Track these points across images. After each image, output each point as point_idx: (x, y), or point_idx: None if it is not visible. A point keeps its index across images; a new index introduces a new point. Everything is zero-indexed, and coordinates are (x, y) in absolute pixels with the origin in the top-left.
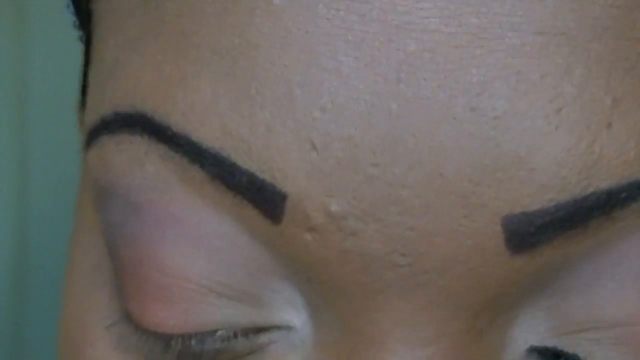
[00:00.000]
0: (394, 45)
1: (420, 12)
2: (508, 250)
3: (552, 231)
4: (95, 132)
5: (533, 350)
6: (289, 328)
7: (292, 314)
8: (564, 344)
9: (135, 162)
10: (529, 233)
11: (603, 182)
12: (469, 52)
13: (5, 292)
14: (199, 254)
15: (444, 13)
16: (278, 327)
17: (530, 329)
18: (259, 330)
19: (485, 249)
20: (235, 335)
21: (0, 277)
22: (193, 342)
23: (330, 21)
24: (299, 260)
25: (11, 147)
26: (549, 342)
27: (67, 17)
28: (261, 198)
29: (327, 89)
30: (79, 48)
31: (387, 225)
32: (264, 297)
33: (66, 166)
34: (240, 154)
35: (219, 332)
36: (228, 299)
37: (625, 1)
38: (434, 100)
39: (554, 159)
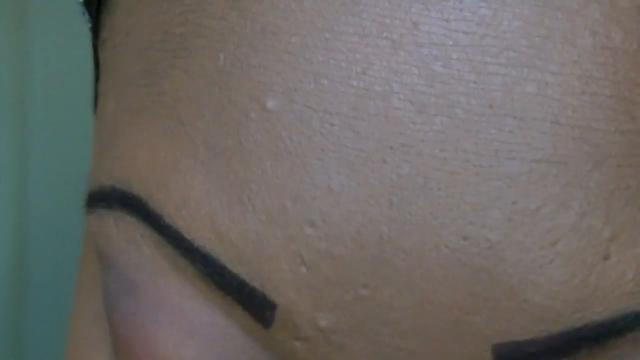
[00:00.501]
0: (387, 167)
1: (416, 135)
2: None
3: (543, 359)
4: (95, 200)
5: None
6: None
7: None
8: None
9: (132, 241)
10: None
11: (598, 314)
12: (463, 179)
13: (5, 292)
14: (191, 341)
15: (439, 137)
16: None
17: None
18: None
19: None
20: None
21: (0, 277)
22: None
23: (324, 136)
24: None
25: (11, 147)
26: None
27: (67, 17)
28: (251, 304)
29: (318, 206)
30: (79, 48)
31: (375, 343)
32: None
33: (66, 166)
34: (230, 258)
35: None
36: None
37: (630, 125)
38: (425, 226)
39: (548, 293)
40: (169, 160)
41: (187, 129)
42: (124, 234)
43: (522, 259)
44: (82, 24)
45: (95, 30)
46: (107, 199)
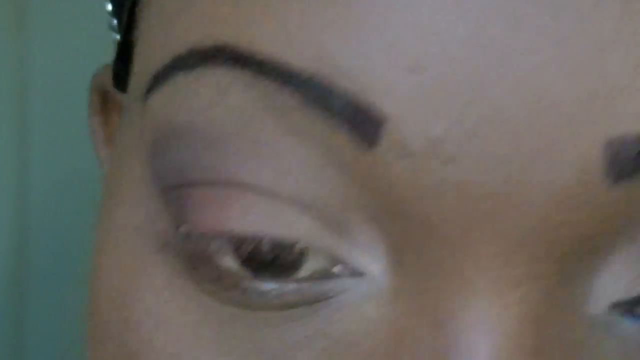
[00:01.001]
0: None
1: None
2: (608, 178)
3: None
4: (164, 74)
5: (616, 306)
6: (363, 275)
7: (369, 260)
8: None
9: (216, 95)
10: (629, 158)
11: None
12: None
13: (5, 292)
14: (285, 181)
15: None
16: (351, 274)
17: (617, 279)
18: (329, 276)
19: (586, 176)
20: (305, 281)
21: (0, 277)
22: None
23: None
24: (389, 193)
25: (11, 147)
26: (634, 292)
27: (67, 18)
28: (357, 121)
29: (427, 11)
30: (79, 48)
31: (487, 149)
32: (344, 236)
33: (66, 166)
34: (336, 76)
35: (300, 244)
36: (310, 217)
37: None
38: (541, 25)
39: None
40: (255, 4)
41: None
42: (206, 90)
43: (633, 52)
44: (82, 24)
45: None
46: (183, 64)
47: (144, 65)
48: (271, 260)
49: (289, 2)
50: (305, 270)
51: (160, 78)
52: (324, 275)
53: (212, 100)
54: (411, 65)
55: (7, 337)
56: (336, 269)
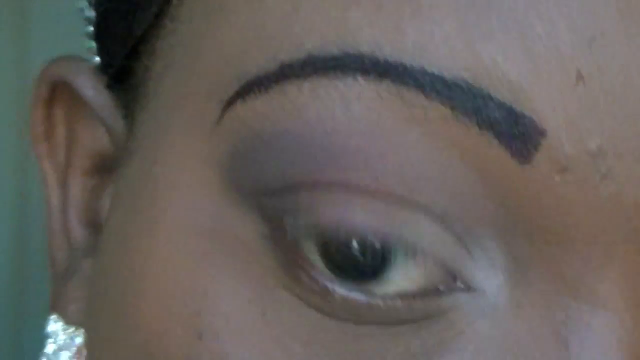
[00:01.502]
0: None
1: None
2: None
3: None
4: (265, 82)
5: None
6: (477, 291)
7: (486, 275)
8: None
9: (339, 106)
10: None
11: None
12: None
13: (6, 292)
14: (423, 189)
15: None
16: (464, 289)
17: None
18: (441, 292)
19: None
20: (414, 296)
21: (0, 277)
22: (399, 301)
23: None
24: (534, 206)
25: (11, 147)
26: None
27: (67, 18)
28: (515, 134)
29: (593, 23)
30: (79, 48)
31: None
32: (468, 250)
33: None
34: (496, 85)
35: (420, 249)
36: (438, 244)
37: None
38: None
39: None
40: (402, 5)
41: None
42: (326, 99)
43: None
44: (82, 24)
45: None
46: (295, 71)
47: (212, 68)
48: (375, 269)
49: (440, 10)
50: (413, 282)
51: (257, 84)
52: (435, 291)
53: (335, 111)
54: (576, 76)
55: (7, 337)
56: (444, 286)
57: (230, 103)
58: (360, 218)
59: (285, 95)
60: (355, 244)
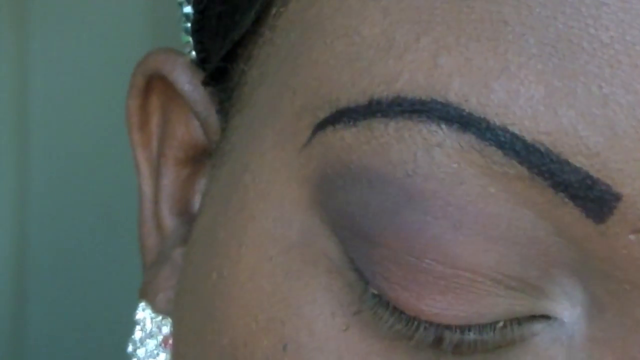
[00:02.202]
0: None
1: None
2: None
3: None
4: (355, 114)
5: None
6: (556, 320)
7: (565, 306)
8: None
9: (421, 150)
10: None
11: None
12: None
13: (5, 292)
14: (493, 247)
15: None
16: (545, 318)
17: None
18: (522, 320)
19: None
20: (495, 327)
21: (0, 277)
22: (471, 334)
23: None
24: (611, 260)
25: (11, 147)
26: None
27: (67, 18)
28: (589, 198)
29: None
30: (79, 48)
31: None
32: (545, 288)
33: (66, 166)
34: (574, 150)
35: (500, 324)
36: (514, 290)
37: None
38: None
39: None
40: (491, 62)
41: (515, 28)
42: (409, 142)
43: None
44: (82, 24)
45: None
46: (383, 109)
47: (306, 86)
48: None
49: (528, 72)
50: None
51: (347, 115)
52: (516, 320)
53: (415, 154)
54: None
55: (7, 337)
56: (525, 317)
57: (321, 127)
58: (440, 305)
59: (372, 132)
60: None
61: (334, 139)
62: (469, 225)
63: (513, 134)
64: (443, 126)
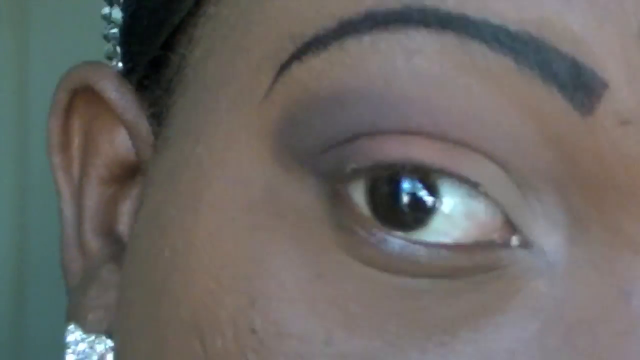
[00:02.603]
0: None
1: None
2: None
3: None
4: (322, 40)
5: None
6: (535, 248)
7: (546, 230)
8: None
9: (400, 58)
10: None
11: None
12: None
13: (6, 292)
14: (477, 150)
15: None
16: (521, 245)
17: None
18: (498, 245)
19: None
20: (471, 247)
21: (0, 277)
22: (444, 250)
23: None
24: (597, 159)
25: (11, 147)
26: None
27: (67, 17)
28: (577, 86)
29: None
30: (79, 48)
31: None
32: (528, 199)
33: None
34: (559, 37)
35: (482, 187)
36: (497, 167)
37: None
38: None
39: None
40: None
41: None
42: (386, 53)
43: None
44: (82, 24)
45: None
46: (356, 28)
47: (264, 38)
48: (424, 216)
49: None
50: (468, 233)
51: (315, 44)
52: (491, 244)
53: (396, 63)
54: (638, 31)
55: (7, 337)
56: (501, 239)
57: (284, 67)
58: (417, 151)
59: (345, 51)
60: (406, 184)
61: (301, 72)
62: (453, 123)
63: (496, 26)
64: (422, 30)
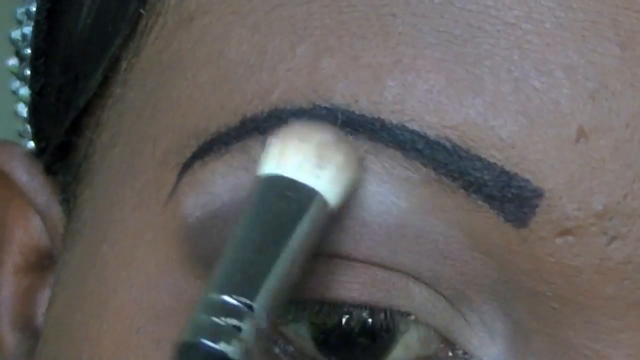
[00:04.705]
0: None
1: None
2: None
3: None
4: (225, 137)
5: None
6: (473, 358)
7: (483, 342)
8: None
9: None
10: None
11: None
12: None
13: None
14: (402, 255)
15: None
16: (460, 358)
17: None
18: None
19: None
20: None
21: None
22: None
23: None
24: (536, 272)
25: None
26: None
27: None
28: (507, 197)
29: (595, 74)
30: None
31: None
32: (462, 311)
33: None
34: (485, 144)
35: (412, 317)
36: (425, 289)
37: None
38: None
39: None
40: (378, 57)
41: (405, 19)
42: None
43: None
44: None
45: None
46: (262, 124)
47: (168, 130)
48: (363, 345)
49: (426, 61)
50: (410, 351)
51: (217, 143)
52: (430, 359)
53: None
54: (577, 132)
55: None
56: (442, 355)
57: (187, 166)
58: (341, 290)
59: (248, 153)
60: (348, 320)
61: (204, 174)
62: (372, 240)
63: (413, 132)
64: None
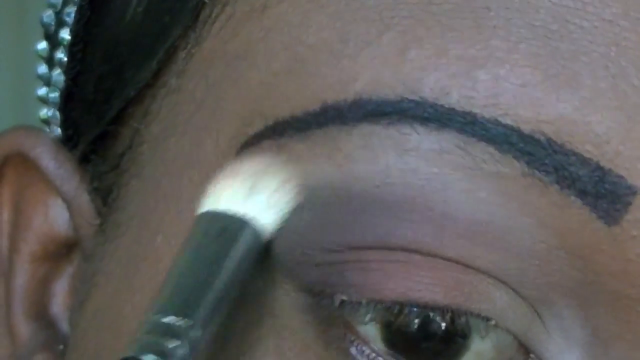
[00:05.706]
0: None
1: None
2: None
3: None
4: (301, 122)
5: None
6: None
7: (561, 349)
8: None
9: (393, 157)
10: None
11: None
12: None
13: None
14: (480, 254)
15: None
16: None
17: None
18: None
19: None
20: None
21: None
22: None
23: None
24: (624, 274)
25: None
26: None
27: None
28: (601, 193)
29: None
30: None
31: None
32: (542, 316)
33: None
34: (581, 140)
35: (493, 322)
36: (505, 293)
37: None
38: None
39: None
40: (470, 50)
41: (500, 13)
42: (379, 151)
43: None
44: None
45: None
46: (344, 115)
47: (234, 120)
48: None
49: (520, 54)
50: (484, 357)
51: (291, 126)
52: None
53: (387, 164)
54: None
55: None
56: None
57: (250, 144)
58: (423, 292)
59: (328, 142)
60: (425, 323)
61: (279, 157)
62: (456, 238)
63: (506, 126)
64: (417, 127)
